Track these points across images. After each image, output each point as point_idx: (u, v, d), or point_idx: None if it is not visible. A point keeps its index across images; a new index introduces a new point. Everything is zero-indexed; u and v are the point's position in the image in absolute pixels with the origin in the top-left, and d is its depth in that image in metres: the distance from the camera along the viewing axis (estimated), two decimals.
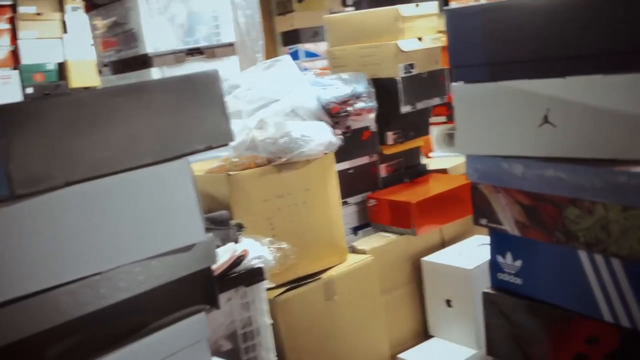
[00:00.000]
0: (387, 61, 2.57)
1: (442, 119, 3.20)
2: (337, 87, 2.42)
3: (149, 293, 1.17)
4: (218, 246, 1.65)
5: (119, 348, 1.14)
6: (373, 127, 2.62)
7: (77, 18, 5.08)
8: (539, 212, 1.24)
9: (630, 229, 1.09)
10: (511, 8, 1.24)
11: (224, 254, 1.70)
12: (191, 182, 1.22)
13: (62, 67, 5.17)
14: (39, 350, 1.07)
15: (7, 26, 5.00)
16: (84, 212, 1.09)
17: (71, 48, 5.15)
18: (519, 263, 1.33)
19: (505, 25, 1.25)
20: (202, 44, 2.78)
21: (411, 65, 2.58)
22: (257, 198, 2.09)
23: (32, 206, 1.04)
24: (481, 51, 1.29)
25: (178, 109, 1.21)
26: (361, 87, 2.46)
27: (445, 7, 1.64)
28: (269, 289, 1.88)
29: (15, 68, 5.00)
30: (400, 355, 2.44)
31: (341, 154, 2.37)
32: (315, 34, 4.79)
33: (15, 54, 5.02)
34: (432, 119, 2.95)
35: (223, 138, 1.26)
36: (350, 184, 2.54)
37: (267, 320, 1.80)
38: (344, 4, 4.98)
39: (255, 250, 1.79)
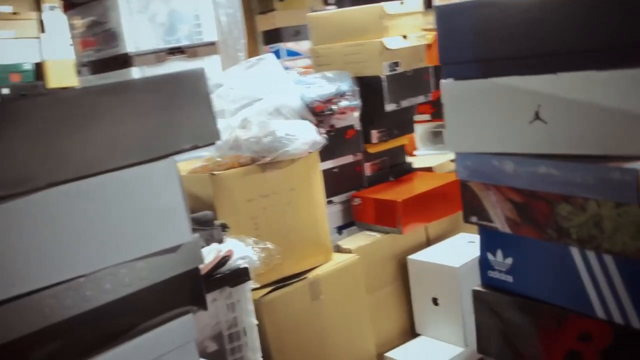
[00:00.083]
0: (372, 59, 2.55)
1: (427, 117, 3.20)
2: (321, 86, 2.40)
3: (135, 295, 1.15)
4: (202, 247, 1.62)
5: (105, 351, 1.11)
6: (357, 125, 2.61)
7: (55, 17, 5.00)
8: (530, 209, 1.23)
9: (624, 225, 1.09)
10: (501, 4, 1.23)
11: (209, 255, 1.68)
12: (178, 182, 1.19)
13: (39, 67, 5.09)
14: (23, 354, 1.04)
15: None
16: (67, 213, 1.07)
17: (49, 48, 5.07)
18: (509, 261, 1.32)
19: (495, 21, 1.25)
20: (184, 43, 2.75)
21: (396, 64, 2.57)
22: (241, 198, 2.07)
23: (13, 208, 1.01)
24: (471, 48, 1.28)
25: (163, 107, 1.18)
26: (345, 85, 2.45)
27: (436, 5, 1.63)
28: (254, 290, 1.87)
29: None
30: (387, 354, 2.43)
31: (325, 153, 2.35)
32: (297, 33, 4.78)
33: None
34: (416, 117, 2.95)
35: (210, 137, 1.24)
36: (334, 183, 2.53)
37: (253, 320, 1.78)
38: (326, 3, 4.97)
39: (240, 250, 1.77)
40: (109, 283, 1.11)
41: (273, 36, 4.85)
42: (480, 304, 1.38)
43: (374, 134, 2.67)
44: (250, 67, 2.37)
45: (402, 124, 2.78)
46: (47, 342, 1.06)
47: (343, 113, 2.44)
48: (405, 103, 2.64)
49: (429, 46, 2.70)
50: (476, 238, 1.41)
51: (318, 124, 2.31)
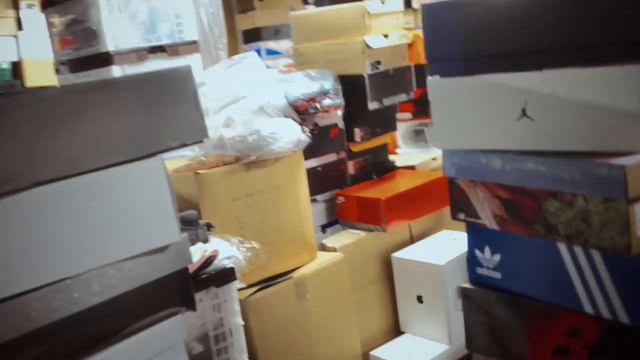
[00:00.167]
0: (354, 58, 2.55)
1: (408, 115, 3.20)
2: (304, 84, 2.39)
3: (123, 296, 1.13)
4: None
5: (93, 354, 1.10)
6: (340, 124, 2.60)
7: (33, 15, 4.94)
8: (518, 206, 1.24)
9: (611, 221, 1.09)
10: (487, 2, 1.24)
11: (194, 255, 1.66)
12: (166, 181, 1.18)
13: (16, 66, 5.02)
14: (9, 358, 1.02)
15: None
16: (53, 213, 1.05)
17: (26, 46, 5.01)
18: (497, 257, 1.33)
19: (481, 19, 1.25)
20: (165, 41, 2.72)
21: (378, 62, 2.57)
22: (225, 197, 2.05)
23: None
24: (458, 45, 1.28)
25: (149, 105, 1.17)
26: (328, 84, 2.44)
27: (422, 3, 1.63)
28: (239, 290, 1.85)
29: None
30: (373, 353, 2.43)
31: (309, 152, 2.35)
32: (277, 32, 4.76)
33: None
34: (398, 115, 2.95)
35: (197, 134, 1.23)
36: (318, 181, 2.52)
37: (239, 321, 1.77)
38: (305, 2, 4.96)
39: (226, 250, 1.75)
40: (97, 284, 1.10)
41: (253, 35, 4.83)
42: (468, 301, 1.38)
43: (357, 132, 2.67)
44: (233, 65, 2.35)
45: (385, 122, 2.78)
46: (33, 346, 1.04)
47: (326, 111, 2.44)
48: (387, 101, 2.64)
49: (410, 45, 2.70)
50: (459, 235, 1.41)
51: (302, 123, 2.30)
